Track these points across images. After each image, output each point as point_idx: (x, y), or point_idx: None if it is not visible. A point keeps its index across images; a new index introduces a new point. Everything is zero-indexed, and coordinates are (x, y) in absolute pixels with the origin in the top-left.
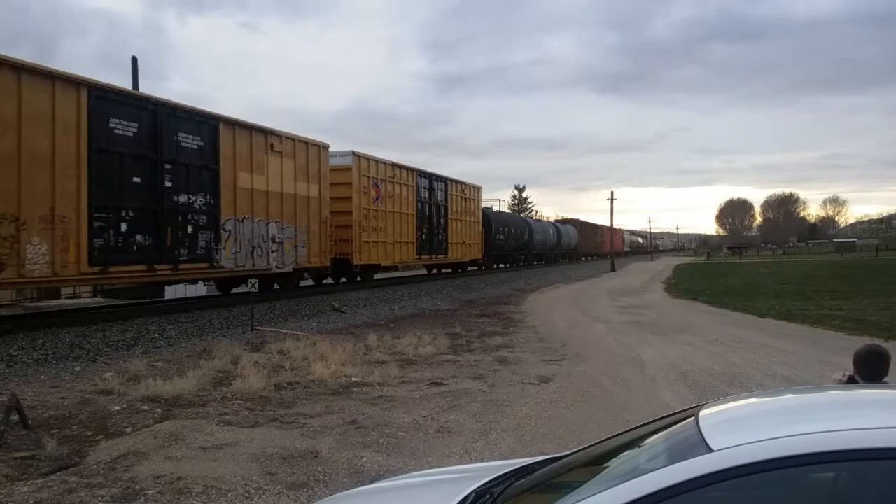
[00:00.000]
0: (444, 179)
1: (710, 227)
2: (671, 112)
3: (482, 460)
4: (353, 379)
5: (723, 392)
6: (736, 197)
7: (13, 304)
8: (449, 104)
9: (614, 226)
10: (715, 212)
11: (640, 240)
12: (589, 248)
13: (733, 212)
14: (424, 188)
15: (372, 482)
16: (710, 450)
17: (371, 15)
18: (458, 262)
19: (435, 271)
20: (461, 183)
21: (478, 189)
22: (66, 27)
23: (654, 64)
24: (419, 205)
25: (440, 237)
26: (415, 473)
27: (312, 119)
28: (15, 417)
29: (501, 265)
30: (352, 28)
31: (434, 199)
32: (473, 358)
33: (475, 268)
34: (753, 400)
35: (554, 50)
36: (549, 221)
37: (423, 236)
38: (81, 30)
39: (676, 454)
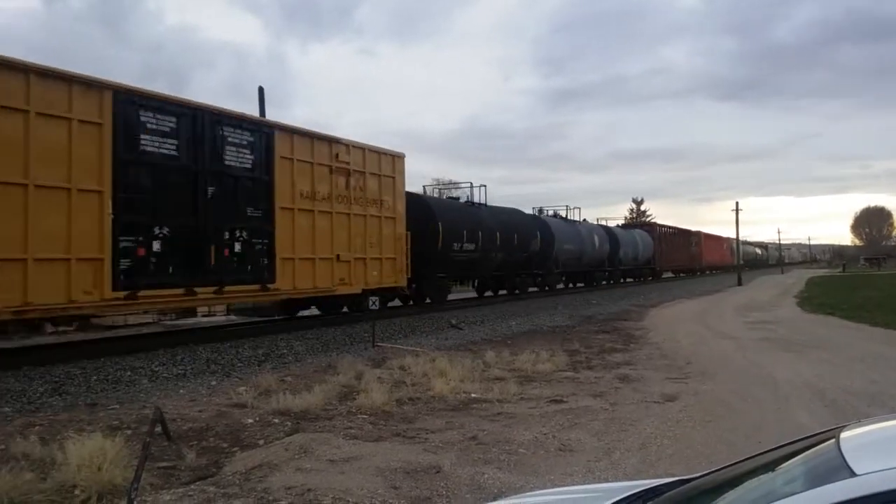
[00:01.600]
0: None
1: (845, 238)
2: (798, 118)
3: (606, 480)
4: (473, 395)
5: (864, 413)
6: (873, 204)
7: (154, 322)
8: (562, 119)
9: (721, 234)
10: (850, 221)
11: (758, 251)
12: (675, 260)
13: (870, 220)
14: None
15: (494, 499)
16: (853, 474)
17: (483, 35)
18: (303, 299)
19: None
20: (316, 136)
21: (394, 158)
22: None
23: (777, 69)
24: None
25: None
26: (538, 492)
27: (425, 139)
28: (159, 429)
29: (490, 295)
30: (464, 49)
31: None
32: (593, 375)
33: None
34: None
35: (669, 59)
36: (595, 224)
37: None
38: (210, 63)
39: (816, 478)
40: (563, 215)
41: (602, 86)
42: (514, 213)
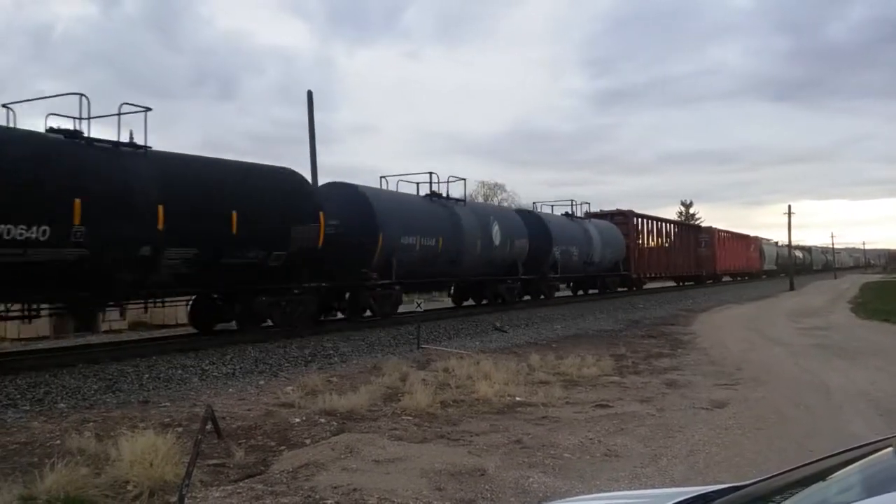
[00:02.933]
0: None
1: None
2: (853, 119)
3: (652, 486)
4: (517, 398)
5: None
6: None
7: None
8: (609, 120)
9: (748, 233)
10: None
11: (799, 254)
12: (669, 264)
13: None
14: None
15: (539, 503)
16: None
17: (530, 37)
18: None
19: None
20: None
21: None
22: (247, 65)
23: (831, 69)
24: None
25: None
26: (584, 497)
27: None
28: (209, 427)
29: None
30: (511, 51)
31: None
32: (640, 380)
33: None
34: None
35: (720, 59)
36: (506, 209)
37: None
38: (260, 67)
39: (872, 487)
40: (570, 212)
41: (651, 86)
42: (497, 209)
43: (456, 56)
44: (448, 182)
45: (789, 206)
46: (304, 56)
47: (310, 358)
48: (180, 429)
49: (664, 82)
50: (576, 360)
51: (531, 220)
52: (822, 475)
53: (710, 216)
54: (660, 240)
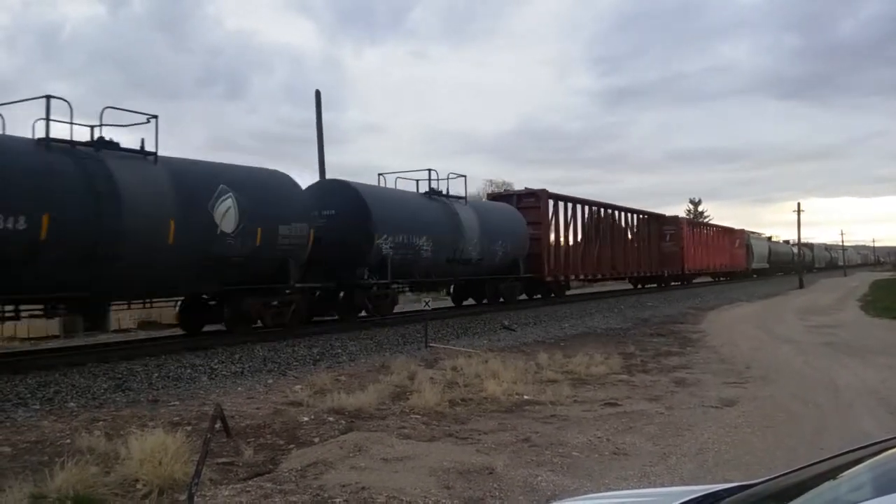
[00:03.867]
0: None
1: None
2: (863, 116)
3: (662, 485)
4: (525, 397)
5: None
6: None
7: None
8: (617, 119)
9: (732, 226)
10: None
11: (796, 250)
12: (616, 262)
13: None
14: None
15: (548, 502)
16: None
17: (538, 35)
18: None
19: None
20: None
21: None
22: (255, 65)
23: (841, 66)
24: None
25: None
26: (593, 495)
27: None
28: (219, 426)
29: None
30: (518, 49)
31: None
32: (649, 378)
33: None
34: None
35: (730, 57)
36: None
37: None
38: (268, 66)
39: (884, 486)
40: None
41: (660, 84)
42: (500, 208)
43: (463, 55)
44: (448, 179)
45: (798, 204)
46: (312, 56)
47: (318, 357)
48: (189, 427)
49: (673, 80)
50: (584, 358)
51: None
52: (832, 474)
53: (718, 214)
54: (597, 231)
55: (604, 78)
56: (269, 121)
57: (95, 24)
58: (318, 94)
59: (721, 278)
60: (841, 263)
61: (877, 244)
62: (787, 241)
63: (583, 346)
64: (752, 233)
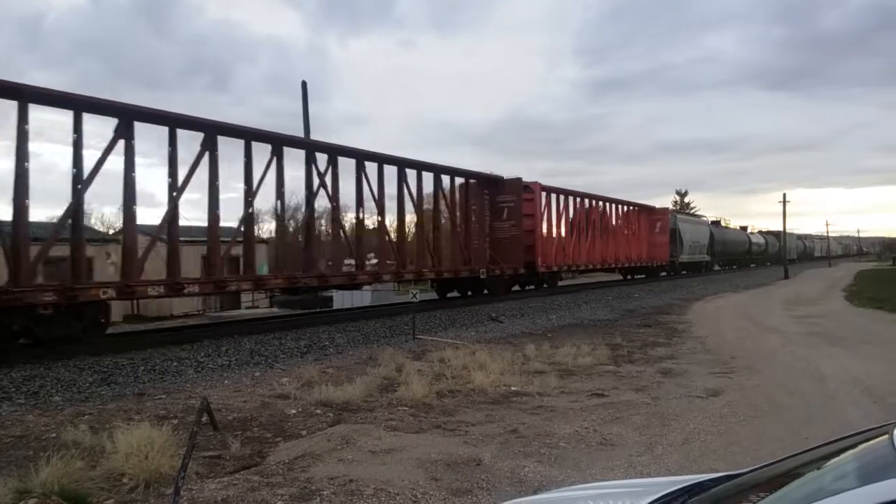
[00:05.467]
0: None
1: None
2: (849, 108)
3: (648, 475)
4: (513, 388)
5: None
6: None
7: (199, 313)
8: (604, 109)
9: (649, 203)
10: None
11: (762, 240)
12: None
13: None
14: None
15: (535, 493)
16: None
17: (525, 25)
18: None
19: None
20: None
21: None
22: (239, 55)
23: (828, 58)
24: None
25: None
26: (580, 486)
27: (467, 131)
28: (205, 419)
29: None
30: (506, 39)
31: None
32: (635, 369)
33: None
34: None
35: (716, 47)
36: None
37: None
38: (253, 57)
39: (868, 475)
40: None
41: (646, 75)
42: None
43: (450, 44)
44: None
45: (784, 195)
46: (297, 46)
47: (305, 349)
48: (175, 421)
49: (659, 71)
50: (571, 349)
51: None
52: (817, 463)
53: (705, 205)
54: (587, 222)
55: (591, 68)
56: (255, 112)
57: (78, 13)
58: (304, 84)
59: (632, 276)
60: (818, 254)
61: (862, 234)
62: (743, 228)
63: (570, 338)
64: (690, 214)
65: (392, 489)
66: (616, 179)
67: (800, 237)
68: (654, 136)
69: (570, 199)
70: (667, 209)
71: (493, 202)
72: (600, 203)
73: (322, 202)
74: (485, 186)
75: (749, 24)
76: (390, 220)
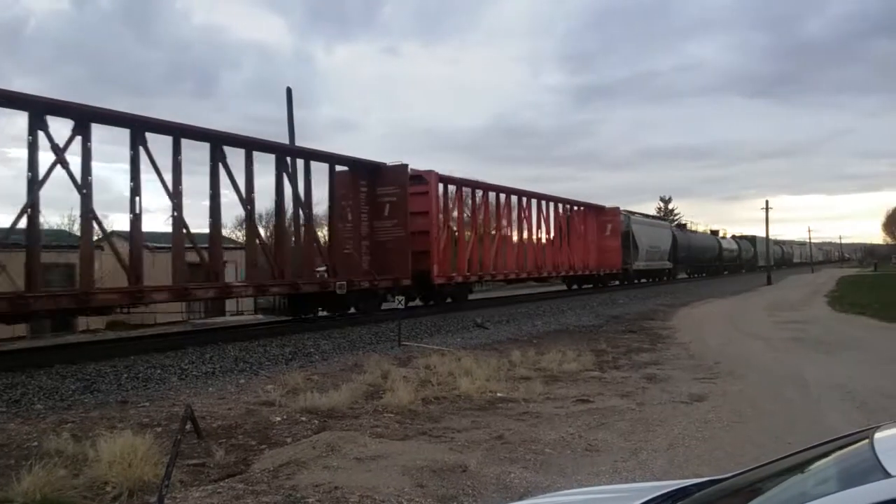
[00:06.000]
0: None
1: (876, 236)
2: (831, 115)
3: (633, 481)
4: (499, 394)
5: None
6: None
7: (183, 321)
8: (589, 116)
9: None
10: (882, 219)
11: (733, 245)
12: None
13: None
14: None
15: (520, 499)
16: (888, 475)
17: (510, 33)
18: None
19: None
20: None
21: None
22: (224, 61)
23: (810, 64)
24: None
25: None
26: (565, 492)
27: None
28: (189, 427)
29: None
30: (491, 46)
31: None
32: (620, 375)
33: None
34: None
35: (700, 55)
36: None
37: None
38: (237, 63)
39: (849, 479)
40: None
41: (631, 82)
42: None
43: (436, 51)
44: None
45: (766, 202)
46: (283, 52)
47: (290, 356)
48: (159, 429)
49: (643, 78)
50: (557, 355)
51: None
52: (800, 468)
53: (688, 212)
54: (509, 223)
55: (576, 75)
56: (239, 118)
57: (61, 18)
58: (289, 91)
59: (579, 286)
60: (797, 260)
61: (844, 241)
62: (714, 232)
63: (555, 344)
64: (649, 216)
65: (377, 496)
66: (601, 186)
67: (777, 243)
68: (639, 143)
69: (489, 194)
70: (618, 209)
71: (371, 196)
72: (533, 201)
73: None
74: (361, 175)
75: (732, 31)
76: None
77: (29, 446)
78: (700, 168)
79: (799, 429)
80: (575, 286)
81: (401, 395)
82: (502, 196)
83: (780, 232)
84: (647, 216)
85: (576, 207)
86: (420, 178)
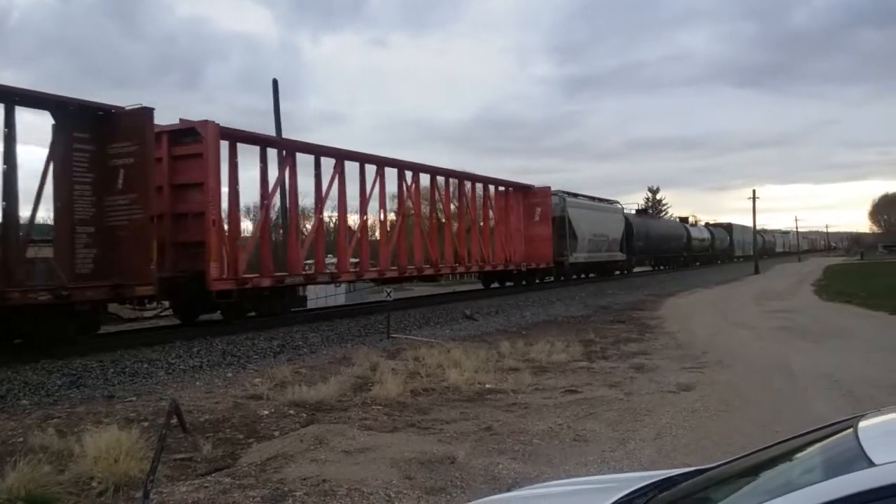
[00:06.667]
0: None
1: (863, 225)
2: (818, 104)
3: (621, 470)
4: (487, 386)
5: (882, 403)
6: (891, 191)
7: (169, 315)
8: (577, 107)
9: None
10: (868, 208)
11: (705, 235)
12: None
13: (889, 208)
14: None
15: (509, 489)
16: (871, 464)
17: (497, 23)
18: None
19: None
20: None
21: None
22: (210, 52)
23: (798, 54)
24: None
25: None
26: (553, 482)
27: (440, 129)
28: (175, 421)
29: None
30: (478, 38)
31: None
32: (608, 365)
33: None
34: None
35: (688, 45)
36: None
37: None
38: (223, 54)
39: (834, 468)
40: None
41: (619, 73)
42: None
43: (424, 42)
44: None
45: (754, 191)
46: (269, 43)
47: (278, 349)
48: (146, 423)
49: (631, 68)
50: (545, 346)
51: None
52: (785, 457)
53: (676, 202)
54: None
55: (563, 66)
56: (226, 110)
57: (45, 10)
58: (275, 82)
59: (502, 284)
60: (780, 249)
61: (830, 230)
62: (683, 219)
63: (544, 335)
64: (594, 199)
65: (365, 489)
66: (590, 176)
67: (758, 231)
68: (627, 134)
69: (344, 165)
70: (548, 189)
71: (100, 156)
72: (424, 177)
73: None
74: (79, 127)
75: (720, 21)
76: None
77: (14, 442)
78: (688, 158)
79: (785, 418)
80: (495, 284)
81: (389, 387)
82: (370, 168)
83: (767, 221)
84: (592, 198)
85: (493, 187)
86: (187, 132)
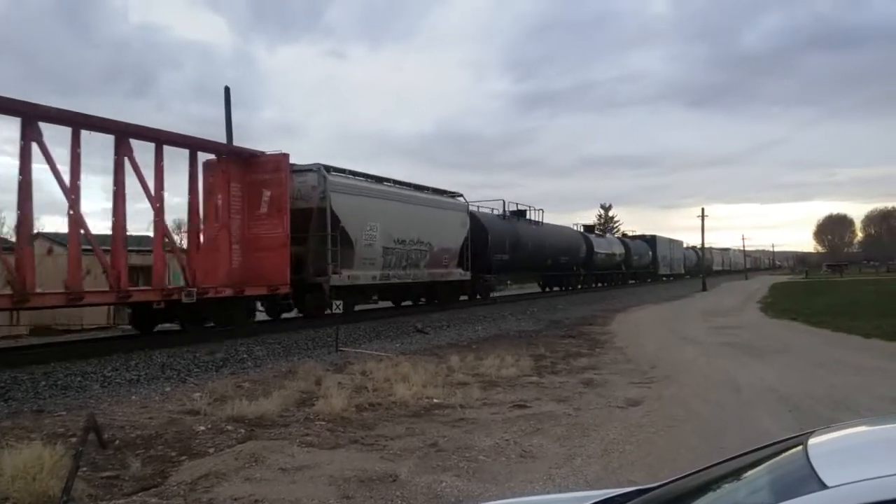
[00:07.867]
0: None
1: (808, 244)
2: (765, 125)
3: (566, 488)
4: (435, 400)
5: (827, 418)
6: (835, 212)
7: (111, 326)
8: (532, 124)
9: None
10: (813, 228)
11: (617, 250)
12: None
13: (832, 228)
14: None
15: None
16: (824, 486)
17: (454, 39)
18: None
19: None
20: None
21: None
22: (163, 60)
23: (746, 76)
24: None
25: None
26: (496, 502)
27: (397, 142)
28: (93, 437)
29: None
30: (435, 52)
31: None
32: (558, 380)
33: None
34: (864, 428)
35: (640, 65)
36: None
37: None
38: (177, 63)
39: (784, 489)
40: None
41: (573, 91)
42: None
43: (381, 55)
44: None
45: (703, 210)
46: (223, 52)
47: (221, 363)
48: (74, 439)
49: (587, 87)
50: (495, 360)
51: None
52: (733, 476)
53: (627, 219)
54: None
55: (520, 83)
56: (179, 119)
57: None
58: (227, 90)
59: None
60: (717, 268)
61: (777, 249)
62: (589, 228)
63: (495, 349)
64: (396, 182)
65: None
66: (544, 192)
67: (692, 247)
68: (581, 151)
69: None
70: (283, 157)
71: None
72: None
73: None
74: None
75: (672, 43)
76: None
77: None
78: (639, 176)
79: (731, 432)
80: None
81: (334, 402)
82: None
83: (716, 239)
84: (400, 183)
85: (171, 148)
86: None
